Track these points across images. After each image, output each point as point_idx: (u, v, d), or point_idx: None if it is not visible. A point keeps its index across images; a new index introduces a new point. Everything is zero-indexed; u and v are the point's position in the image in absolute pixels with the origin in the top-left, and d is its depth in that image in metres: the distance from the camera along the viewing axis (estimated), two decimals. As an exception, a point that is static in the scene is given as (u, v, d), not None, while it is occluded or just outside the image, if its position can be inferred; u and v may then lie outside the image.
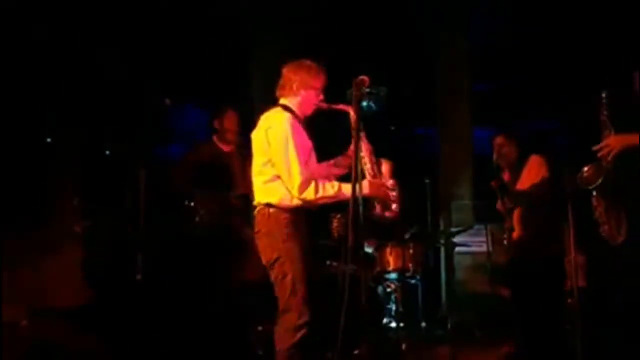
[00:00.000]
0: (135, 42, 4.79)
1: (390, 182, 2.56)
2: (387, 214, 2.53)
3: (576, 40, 5.14)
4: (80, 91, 4.40)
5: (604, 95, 2.78)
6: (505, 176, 3.82)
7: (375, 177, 2.54)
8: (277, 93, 2.70)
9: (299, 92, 2.63)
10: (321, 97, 2.67)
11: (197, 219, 3.64)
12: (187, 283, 3.60)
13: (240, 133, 3.69)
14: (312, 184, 2.48)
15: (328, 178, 2.63)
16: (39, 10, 4.09)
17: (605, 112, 2.77)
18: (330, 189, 2.51)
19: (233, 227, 3.68)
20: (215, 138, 3.85)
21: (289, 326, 2.45)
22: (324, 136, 2.76)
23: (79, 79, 4.40)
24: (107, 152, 4.89)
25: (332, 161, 2.79)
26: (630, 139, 2.68)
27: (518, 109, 5.61)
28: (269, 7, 5.05)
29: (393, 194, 2.54)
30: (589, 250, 2.81)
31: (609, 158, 2.71)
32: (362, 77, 2.39)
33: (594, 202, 2.79)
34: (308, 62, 2.68)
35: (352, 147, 2.66)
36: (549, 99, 5.55)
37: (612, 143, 2.71)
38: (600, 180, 2.73)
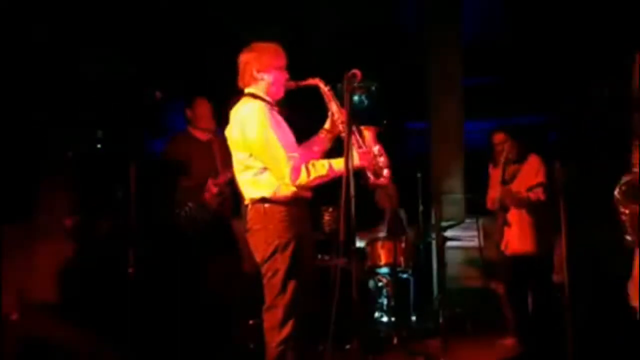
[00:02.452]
0: (131, 38, 4.75)
1: (376, 149, 2.51)
2: (379, 181, 2.48)
3: (567, 35, 5.15)
4: (71, 85, 4.36)
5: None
6: (498, 172, 3.83)
7: (361, 147, 2.44)
8: (239, 84, 2.54)
9: (261, 76, 2.49)
10: (286, 75, 2.53)
11: (182, 213, 3.60)
12: (178, 277, 3.58)
13: (217, 121, 3.63)
14: (303, 168, 2.39)
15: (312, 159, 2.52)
16: (28, 7, 4.04)
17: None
18: (322, 168, 2.41)
19: (223, 219, 3.66)
20: (190, 129, 3.78)
21: (274, 324, 2.39)
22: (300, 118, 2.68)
23: (71, 74, 4.36)
24: (99, 146, 4.85)
25: (310, 140, 2.66)
26: None
27: (509, 103, 5.63)
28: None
29: (382, 159, 2.49)
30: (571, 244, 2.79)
31: None
32: (353, 71, 2.35)
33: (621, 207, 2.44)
34: (263, 43, 2.53)
35: (328, 122, 2.61)
36: (539, 94, 5.57)
37: None
38: None
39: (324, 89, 2.52)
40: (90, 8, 4.39)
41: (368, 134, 2.50)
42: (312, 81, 2.53)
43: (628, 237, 2.57)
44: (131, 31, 4.72)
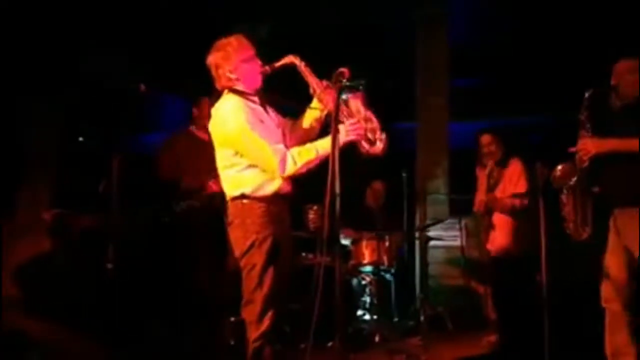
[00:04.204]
0: (118, 31, 4.69)
1: (365, 115, 2.45)
2: (375, 148, 2.43)
3: (555, 38, 5.22)
4: (54, 78, 4.30)
5: (586, 94, 2.79)
6: (484, 173, 3.87)
7: (349, 118, 2.37)
8: (217, 86, 2.51)
9: (235, 76, 2.45)
10: (259, 63, 2.48)
11: (178, 209, 3.58)
12: (159, 274, 3.56)
13: None
14: (289, 158, 2.36)
15: (310, 137, 2.49)
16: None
17: (585, 112, 2.78)
18: (307, 153, 2.38)
19: (218, 216, 3.65)
20: (192, 127, 3.79)
21: (252, 318, 2.38)
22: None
23: (52, 67, 4.30)
24: (81, 139, 4.79)
25: (298, 121, 2.61)
26: (607, 144, 2.72)
27: (494, 105, 5.69)
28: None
29: (373, 125, 2.45)
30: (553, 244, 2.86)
31: (585, 159, 2.74)
32: (341, 69, 2.34)
33: (564, 199, 2.82)
34: (223, 41, 2.48)
35: (314, 102, 2.54)
36: (525, 96, 5.63)
37: (588, 146, 2.73)
38: (573, 180, 2.76)
39: (300, 65, 2.47)
40: (84, 1, 4.33)
41: (355, 102, 2.45)
42: (286, 59, 2.48)
43: (570, 225, 2.71)
44: (128, 27, 4.67)
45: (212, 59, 2.49)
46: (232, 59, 2.46)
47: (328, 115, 2.48)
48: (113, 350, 2.98)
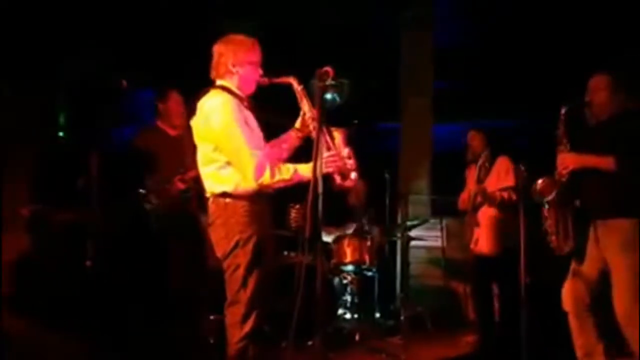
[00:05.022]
0: (102, 27, 4.63)
1: (345, 152, 2.50)
2: (346, 183, 2.47)
3: (541, 42, 5.28)
4: (33, 73, 4.23)
5: (563, 110, 2.84)
6: (473, 173, 3.90)
7: (330, 149, 2.41)
8: (212, 75, 2.49)
9: (236, 70, 2.45)
10: (260, 71, 2.50)
11: (148, 206, 3.54)
12: (138, 271, 3.52)
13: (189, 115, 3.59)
14: (268, 168, 2.36)
15: (279, 158, 2.51)
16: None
17: (561, 128, 2.84)
18: (286, 172, 2.39)
19: (188, 214, 3.61)
20: (159, 122, 3.71)
21: (236, 319, 2.36)
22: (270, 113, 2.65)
23: (31, 61, 4.22)
24: (60, 134, 4.72)
25: (280, 138, 2.64)
26: (585, 161, 2.77)
27: (478, 108, 5.74)
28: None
29: (350, 162, 2.49)
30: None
31: (564, 174, 2.79)
32: (326, 68, 2.33)
33: (545, 213, 2.85)
34: (239, 37, 2.49)
35: (298, 121, 2.59)
36: (509, 99, 5.69)
37: (567, 162, 2.79)
38: (553, 194, 2.80)
39: (297, 87, 2.49)
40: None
41: (338, 135, 2.49)
42: (285, 79, 2.50)
43: (553, 238, 2.76)
44: (112, 23, 4.61)
45: (221, 47, 2.49)
46: (241, 55, 2.47)
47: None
48: (91, 346, 2.94)
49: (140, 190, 3.53)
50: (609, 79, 2.86)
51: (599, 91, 2.85)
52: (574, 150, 2.83)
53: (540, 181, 2.84)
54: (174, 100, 3.67)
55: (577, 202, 2.85)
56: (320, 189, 2.25)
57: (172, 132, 3.69)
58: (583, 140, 2.86)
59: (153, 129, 3.72)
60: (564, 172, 2.79)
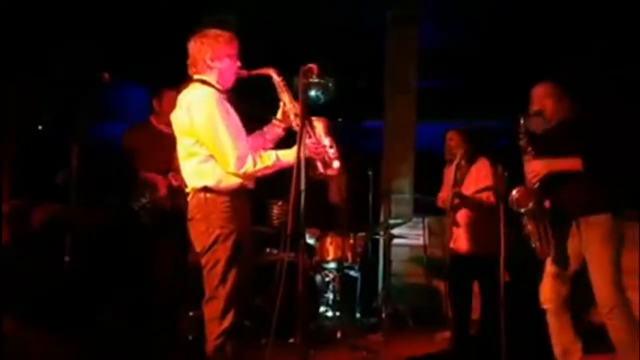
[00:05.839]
0: (81, 18, 4.56)
1: (327, 141, 2.50)
2: (328, 172, 2.47)
3: (525, 42, 5.32)
4: (13, 65, 4.15)
5: (521, 121, 2.88)
6: (450, 171, 3.92)
7: (311, 138, 2.41)
8: (191, 71, 2.49)
9: (214, 64, 2.45)
10: (238, 64, 2.50)
11: (139, 203, 3.51)
12: (117, 267, 3.48)
13: None
14: (249, 157, 2.36)
15: (264, 149, 2.50)
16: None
17: (523, 138, 2.87)
18: (268, 159, 2.39)
19: (180, 212, 3.59)
20: (153, 119, 3.70)
21: (214, 315, 2.35)
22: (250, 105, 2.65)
23: (12, 54, 4.15)
24: (40, 128, 4.64)
25: (262, 130, 2.64)
26: (554, 165, 2.81)
27: (461, 107, 5.78)
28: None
29: (332, 151, 2.49)
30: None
31: (535, 182, 2.82)
32: (310, 65, 2.33)
33: (524, 221, 2.87)
34: (215, 31, 2.48)
35: (279, 114, 2.58)
36: (492, 99, 5.73)
37: (537, 169, 2.82)
38: (531, 205, 2.82)
39: (277, 79, 2.48)
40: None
41: (319, 125, 2.48)
42: (264, 70, 2.49)
43: (537, 244, 2.80)
44: (95, 15, 4.54)
45: (197, 44, 2.47)
46: (219, 49, 2.46)
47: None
48: (68, 343, 2.90)
49: (132, 187, 3.50)
50: (551, 87, 2.96)
51: (544, 99, 2.93)
52: (539, 157, 2.85)
53: (515, 191, 2.85)
54: (169, 98, 3.65)
55: (547, 204, 2.87)
56: (302, 186, 2.25)
57: (166, 130, 3.67)
58: (545, 146, 2.89)
59: (145, 125, 3.70)
60: (535, 179, 2.82)
